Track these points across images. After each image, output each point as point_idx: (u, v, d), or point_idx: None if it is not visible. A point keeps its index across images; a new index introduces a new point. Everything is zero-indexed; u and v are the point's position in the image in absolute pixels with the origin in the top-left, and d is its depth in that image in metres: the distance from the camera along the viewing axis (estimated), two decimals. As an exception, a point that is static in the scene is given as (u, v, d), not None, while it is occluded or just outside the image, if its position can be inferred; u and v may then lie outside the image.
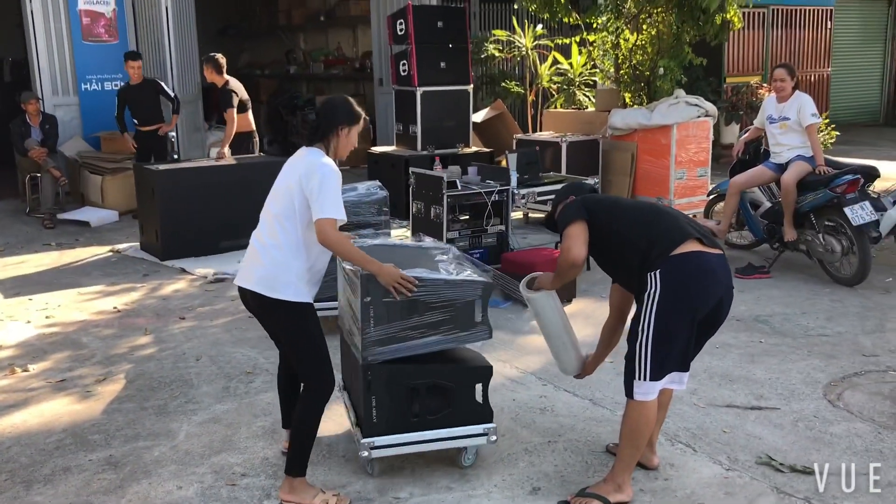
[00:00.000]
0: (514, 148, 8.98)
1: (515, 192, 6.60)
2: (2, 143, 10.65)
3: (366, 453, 3.51)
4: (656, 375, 3.24)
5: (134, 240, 8.24)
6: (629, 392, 3.30)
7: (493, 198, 6.37)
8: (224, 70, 8.49)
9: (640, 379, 3.24)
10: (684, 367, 3.33)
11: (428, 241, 4.07)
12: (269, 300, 3.30)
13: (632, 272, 3.33)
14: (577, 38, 10.80)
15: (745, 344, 5.21)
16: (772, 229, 6.90)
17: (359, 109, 3.45)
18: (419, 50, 9.23)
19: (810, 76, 16.02)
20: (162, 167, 7.80)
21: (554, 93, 11.44)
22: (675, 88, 8.94)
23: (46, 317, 6.01)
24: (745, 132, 7.31)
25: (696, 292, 3.21)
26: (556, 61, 11.31)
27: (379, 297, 3.35)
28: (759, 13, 14.72)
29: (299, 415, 3.37)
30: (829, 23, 16.18)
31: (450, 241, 6.25)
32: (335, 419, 4.09)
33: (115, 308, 6.21)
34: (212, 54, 8.56)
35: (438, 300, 3.44)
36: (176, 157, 8.21)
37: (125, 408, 4.41)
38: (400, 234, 7.26)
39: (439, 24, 9.40)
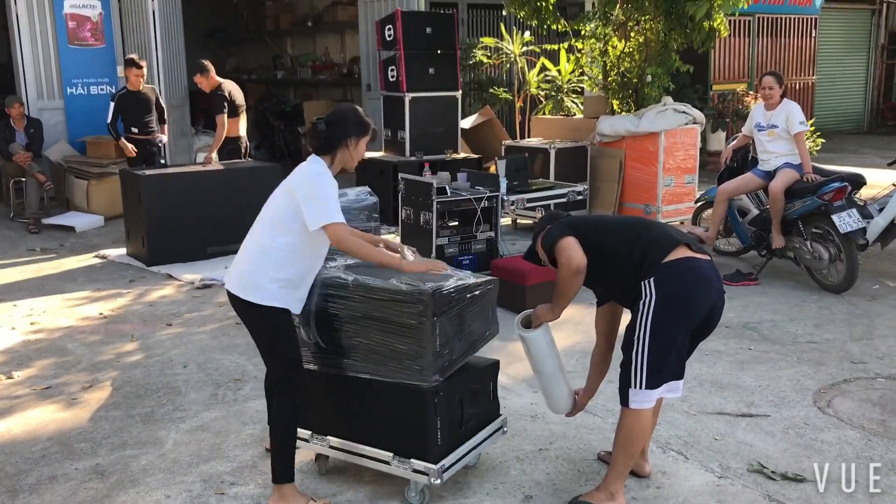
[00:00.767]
0: (503, 154, 8.98)
1: (505, 198, 6.59)
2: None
3: (438, 480, 3.29)
4: (652, 384, 3.22)
5: (120, 245, 8.18)
6: (625, 400, 3.28)
7: (482, 204, 6.36)
8: (212, 73, 8.39)
9: (635, 387, 3.22)
10: (679, 375, 3.32)
11: (409, 255, 3.69)
12: (243, 301, 3.29)
13: (626, 284, 3.30)
14: (566, 45, 10.83)
15: (734, 351, 5.22)
16: (759, 236, 6.92)
17: (368, 120, 3.42)
18: (408, 56, 9.21)
19: (795, 84, 16.13)
20: (148, 172, 7.74)
21: (542, 99, 11.46)
22: (663, 95, 8.96)
23: (31, 323, 5.95)
24: (733, 140, 7.35)
25: (691, 298, 3.22)
26: (544, 68, 11.33)
27: (442, 314, 3.23)
28: (745, 21, 14.82)
29: (274, 418, 3.39)
30: (813, 31, 16.31)
31: (439, 247, 6.24)
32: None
33: (100, 314, 6.15)
34: (200, 60, 8.48)
35: (474, 304, 3.44)
36: (163, 162, 8.15)
37: (112, 415, 4.36)
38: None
39: (428, 29, 9.39)
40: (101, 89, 10.43)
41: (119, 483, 3.64)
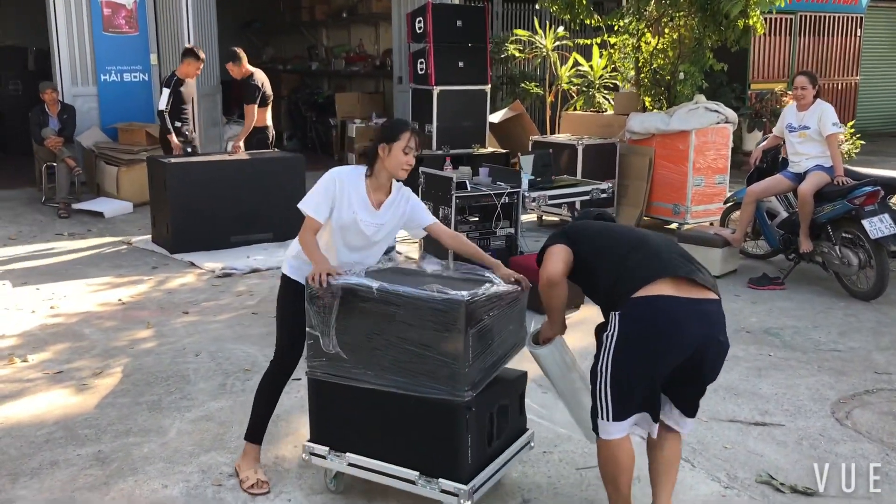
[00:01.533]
0: (530, 149, 8.88)
1: (526, 194, 6.50)
2: (24, 132, 10.71)
3: (468, 502, 3.10)
4: (619, 416, 2.96)
5: (146, 232, 8.24)
6: (595, 430, 3.04)
7: (502, 200, 6.28)
8: (244, 62, 8.34)
9: (603, 419, 2.99)
10: (650, 409, 3.01)
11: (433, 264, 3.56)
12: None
13: (602, 307, 3.11)
14: (598, 40, 10.68)
15: (753, 357, 5.09)
16: (788, 240, 6.76)
17: (399, 127, 3.40)
18: (437, 48, 9.17)
19: (837, 84, 15.77)
20: (173, 160, 7.79)
21: (573, 95, 11.33)
22: (696, 94, 8.80)
23: (51, 307, 6.01)
24: (764, 140, 7.18)
25: (654, 344, 2.88)
26: (576, 63, 11.19)
27: (476, 323, 3.07)
28: (786, 19, 14.51)
29: (261, 380, 3.66)
30: (858, 30, 15.91)
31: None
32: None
33: (119, 300, 6.19)
34: (232, 48, 8.47)
35: (506, 313, 3.27)
36: (190, 150, 8.19)
37: (119, 402, 4.37)
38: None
39: (458, 23, 9.33)
40: (134, 76, 10.53)
41: (119, 471, 3.65)
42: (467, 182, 6.27)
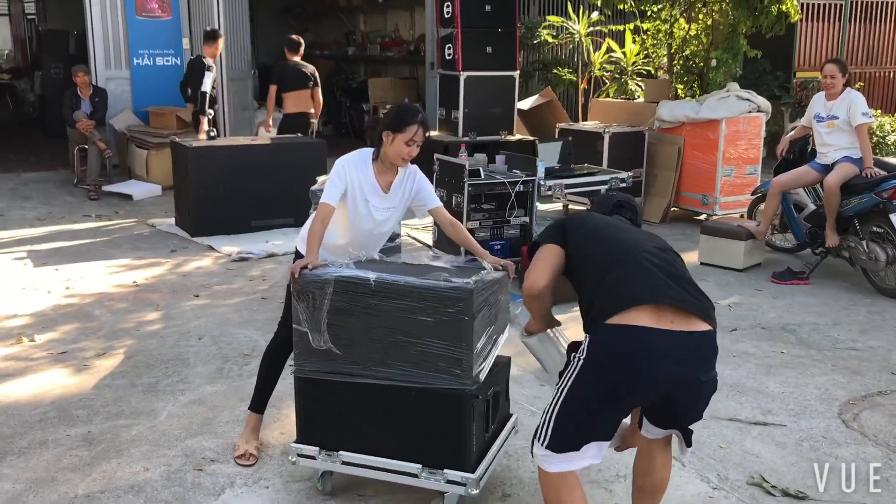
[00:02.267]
0: (556, 137, 8.74)
1: (542, 182, 6.38)
2: (61, 115, 10.88)
3: (475, 490, 3.05)
4: (554, 447, 2.64)
5: (171, 215, 8.32)
6: (532, 449, 2.77)
7: (517, 188, 6.17)
8: (297, 49, 8.86)
9: (539, 443, 2.69)
10: (597, 437, 2.68)
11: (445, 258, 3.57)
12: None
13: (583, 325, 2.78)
14: (632, 26, 10.46)
15: (764, 353, 4.93)
16: (814, 233, 6.54)
17: (407, 119, 3.31)
18: (465, 34, 9.06)
19: (889, 73, 15.23)
20: (195, 144, 7.83)
21: (606, 81, 11.13)
22: (730, 82, 8.56)
23: (67, 287, 6.09)
24: (791, 130, 6.95)
25: (617, 381, 2.56)
26: (609, 49, 10.98)
27: (480, 310, 3.02)
28: (835, 5, 14.03)
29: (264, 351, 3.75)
30: (912, 17, 15.33)
31: (470, 230, 6.08)
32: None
33: (134, 282, 6.25)
34: (294, 36, 9.11)
35: (498, 298, 3.25)
36: (213, 134, 8.23)
37: (116, 384, 4.41)
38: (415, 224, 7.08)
39: (487, 7, 9.19)
40: (167, 60, 10.62)
41: (104, 452, 3.67)
42: (481, 170, 6.17)
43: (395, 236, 5.53)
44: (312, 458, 3.28)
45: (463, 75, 9.06)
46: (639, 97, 10.39)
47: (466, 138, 9.01)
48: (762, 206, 7.23)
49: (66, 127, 9.93)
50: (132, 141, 10.12)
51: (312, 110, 8.88)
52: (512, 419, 3.59)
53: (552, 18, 11.29)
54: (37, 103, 15.35)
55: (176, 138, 8.38)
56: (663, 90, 9.31)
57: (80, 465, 3.56)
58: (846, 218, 6.17)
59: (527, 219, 6.33)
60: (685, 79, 9.20)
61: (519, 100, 9.81)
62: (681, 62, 9.13)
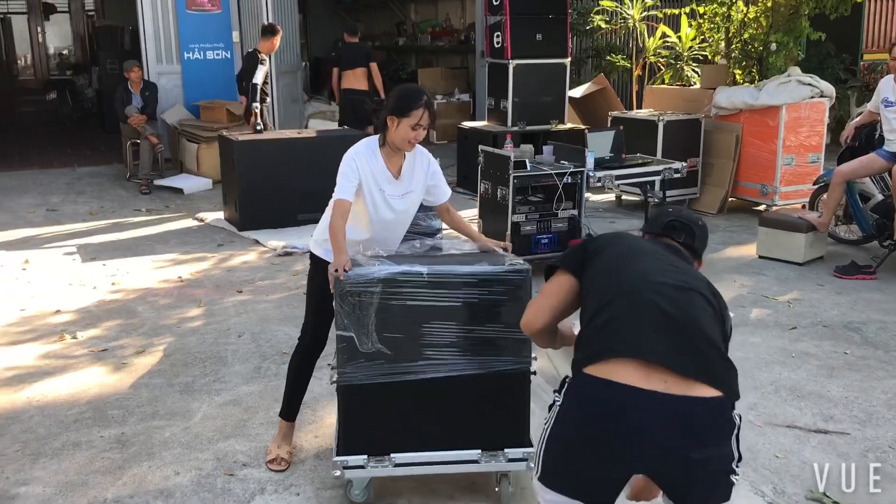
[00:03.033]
0: (609, 125, 8.48)
1: (591, 174, 6.16)
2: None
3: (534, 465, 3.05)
4: (543, 480, 2.23)
5: (220, 209, 8.32)
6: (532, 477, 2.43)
7: (565, 180, 5.97)
8: (355, 31, 10.05)
9: (535, 472, 2.29)
10: (575, 495, 2.19)
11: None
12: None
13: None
14: (687, 10, 10.11)
15: (826, 354, 4.66)
16: (881, 225, 6.21)
17: (411, 103, 3.20)
18: (514, 21, 8.83)
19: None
20: (241, 138, 7.80)
21: (661, 67, 10.79)
22: (790, 66, 8.19)
23: (112, 283, 6.10)
24: (857, 116, 6.59)
25: (591, 440, 2.12)
26: (664, 34, 10.64)
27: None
28: (905, -17, 13.41)
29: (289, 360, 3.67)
30: None
31: (515, 224, 5.93)
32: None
33: (179, 278, 6.24)
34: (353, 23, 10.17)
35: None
36: (260, 128, 8.20)
37: (153, 383, 4.36)
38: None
39: (537, -7, 8.96)
40: (217, 54, 10.65)
41: (136, 455, 3.61)
42: (527, 161, 5.98)
43: (434, 231, 5.37)
44: (361, 467, 3.14)
45: (512, 63, 8.84)
46: (695, 83, 10.04)
47: (515, 128, 8.81)
48: (825, 197, 6.87)
49: (119, 122, 10.02)
50: (183, 135, 10.18)
51: (367, 88, 9.27)
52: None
53: (605, 3, 10.99)
54: (94, 98, 15.62)
55: (224, 132, 8.38)
56: (720, 76, 8.96)
57: (111, 469, 3.51)
58: (916, 209, 5.83)
59: (575, 212, 6.12)
60: (743, 64, 8.85)
61: (571, 88, 9.57)
62: (739, 47, 8.77)
